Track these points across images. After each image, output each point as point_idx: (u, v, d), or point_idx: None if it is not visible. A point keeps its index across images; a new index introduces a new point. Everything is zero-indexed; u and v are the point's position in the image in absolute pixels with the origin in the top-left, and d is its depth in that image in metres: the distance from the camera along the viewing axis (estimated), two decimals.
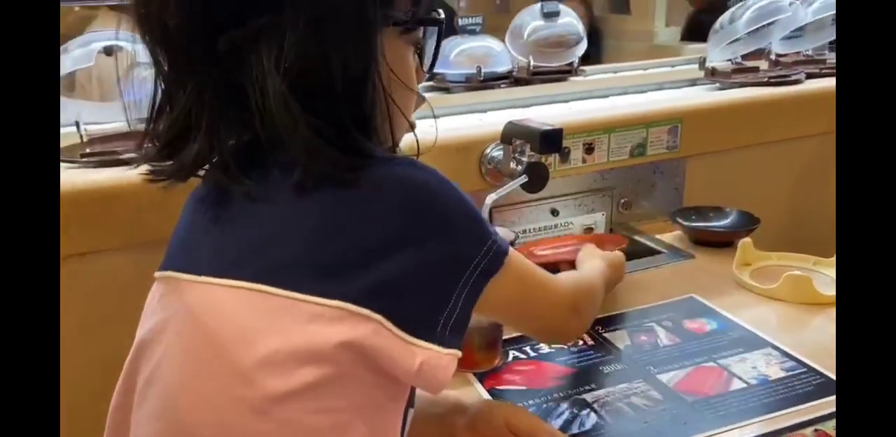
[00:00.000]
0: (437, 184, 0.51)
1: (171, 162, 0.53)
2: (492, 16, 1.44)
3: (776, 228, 1.21)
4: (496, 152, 1.09)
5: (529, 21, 1.36)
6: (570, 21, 1.38)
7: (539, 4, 1.37)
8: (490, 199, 0.93)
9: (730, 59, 1.39)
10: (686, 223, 1.16)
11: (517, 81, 1.34)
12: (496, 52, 1.33)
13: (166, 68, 0.51)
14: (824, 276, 1.03)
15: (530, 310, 0.62)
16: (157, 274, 0.56)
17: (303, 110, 0.48)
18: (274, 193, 0.50)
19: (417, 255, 0.49)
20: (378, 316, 0.48)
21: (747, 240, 1.07)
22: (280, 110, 0.47)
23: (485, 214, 0.96)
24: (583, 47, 1.39)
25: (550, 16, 1.35)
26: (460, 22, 1.30)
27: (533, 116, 1.15)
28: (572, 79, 1.38)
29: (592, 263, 0.83)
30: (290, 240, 0.49)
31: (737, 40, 1.35)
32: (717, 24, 1.38)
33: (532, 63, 1.34)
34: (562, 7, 1.38)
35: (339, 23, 0.48)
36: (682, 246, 1.15)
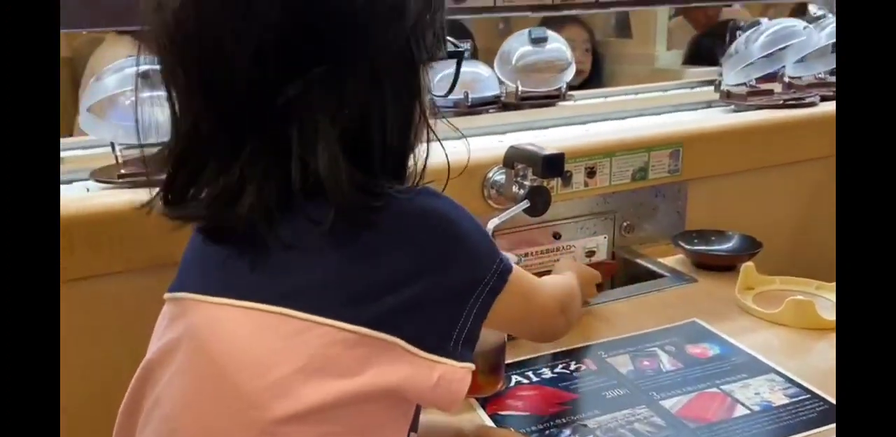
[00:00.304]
0: (453, 212, 0.54)
1: (206, 213, 0.52)
2: (495, 39, 1.46)
3: (779, 251, 1.21)
4: (499, 176, 1.10)
5: (518, 47, 1.37)
6: (559, 47, 1.39)
7: (527, 30, 1.38)
8: (492, 223, 0.94)
9: (744, 83, 1.40)
10: (688, 247, 1.17)
11: (505, 106, 1.36)
12: (484, 78, 1.34)
13: (207, 124, 0.50)
14: (827, 300, 1.02)
15: (530, 318, 0.66)
16: (167, 295, 0.57)
17: (346, 159, 0.49)
18: (302, 237, 0.50)
19: (435, 281, 0.51)
20: (395, 339, 0.49)
21: (749, 264, 1.07)
22: (326, 165, 0.48)
23: (489, 234, 0.96)
24: (571, 73, 1.40)
25: (538, 42, 1.37)
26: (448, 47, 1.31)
27: (535, 139, 1.16)
28: (561, 104, 1.40)
29: (566, 273, 0.86)
30: (314, 269, 0.50)
31: (751, 64, 1.37)
32: (731, 49, 1.41)
33: (520, 88, 1.35)
34: (550, 33, 1.39)
35: (393, 65, 0.50)
36: (684, 270, 1.15)
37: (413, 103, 0.53)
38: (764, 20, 1.47)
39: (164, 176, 0.54)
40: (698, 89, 1.59)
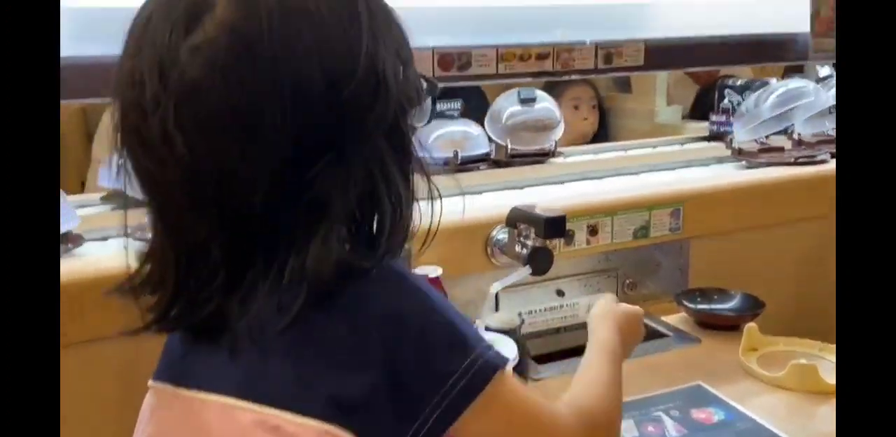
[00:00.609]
0: (415, 295, 0.50)
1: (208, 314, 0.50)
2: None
3: (783, 309, 1.21)
4: (502, 235, 1.11)
5: (507, 106, 1.41)
6: (547, 106, 1.43)
7: (517, 90, 1.41)
8: (495, 288, 0.95)
9: (755, 139, 1.43)
10: (691, 306, 1.17)
11: (496, 164, 1.39)
12: (474, 136, 1.37)
13: (219, 244, 0.49)
14: (830, 363, 1.02)
15: None
16: (150, 383, 0.57)
17: (350, 240, 0.48)
18: (266, 326, 0.49)
19: (390, 369, 0.48)
20: (347, 434, 0.47)
21: (753, 325, 1.07)
22: (317, 257, 0.47)
23: (491, 300, 0.97)
24: (560, 131, 1.43)
25: (527, 102, 1.40)
26: (438, 107, 1.34)
27: (536, 197, 1.18)
28: (552, 161, 1.42)
29: (605, 337, 0.71)
30: (273, 356, 0.49)
31: (761, 122, 1.40)
32: (742, 108, 1.44)
33: (510, 146, 1.38)
34: (538, 93, 1.42)
35: (387, 129, 0.50)
36: (687, 329, 1.15)
37: (409, 155, 0.52)
38: (772, 80, 1.51)
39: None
40: (705, 145, 1.61)
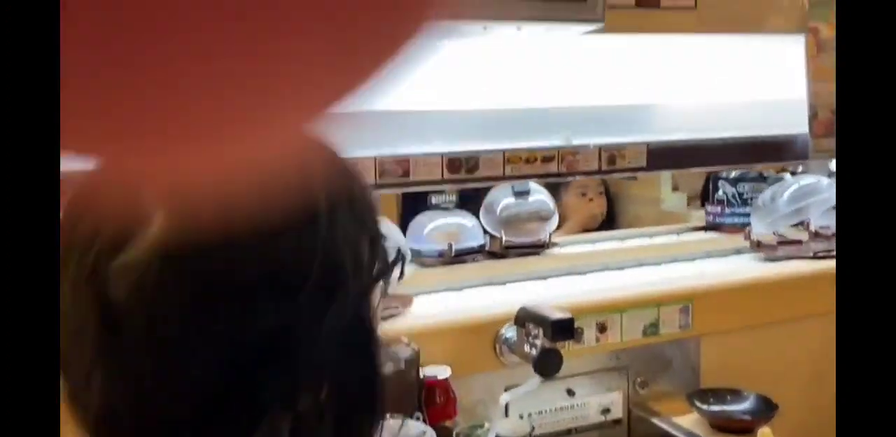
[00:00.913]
0: None
1: None
2: None
3: (798, 409, 1.19)
4: (510, 333, 1.11)
5: (501, 198, 1.43)
6: (542, 199, 1.45)
7: (511, 184, 1.43)
8: (504, 399, 0.94)
9: (773, 232, 1.45)
10: (704, 407, 1.15)
11: (491, 255, 1.40)
12: (468, 228, 1.39)
13: None
14: None
15: None
16: None
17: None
18: None
19: None
20: None
21: (767, 431, 1.05)
22: None
23: (501, 408, 0.96)
24: (554, 223, 1.45)
25: (521, 194, 1.42)
26: (433, 200, 1.36)
27: (541, 291, 1.17)
28: (547, 252, 1.43)
29: None
30: None
31: (778, 216, 1.42)
32: (758, 201, 1.47)
33: (504, 238, 1.39)
34: (533, 185, 1.44)
35: (345, 328, 0.44)
36: (701, 431, 1.13)
37: (369, 339, 0.45)
38: (787, 175, 1.54)
39: None
40: (703, 235, 1.62)
